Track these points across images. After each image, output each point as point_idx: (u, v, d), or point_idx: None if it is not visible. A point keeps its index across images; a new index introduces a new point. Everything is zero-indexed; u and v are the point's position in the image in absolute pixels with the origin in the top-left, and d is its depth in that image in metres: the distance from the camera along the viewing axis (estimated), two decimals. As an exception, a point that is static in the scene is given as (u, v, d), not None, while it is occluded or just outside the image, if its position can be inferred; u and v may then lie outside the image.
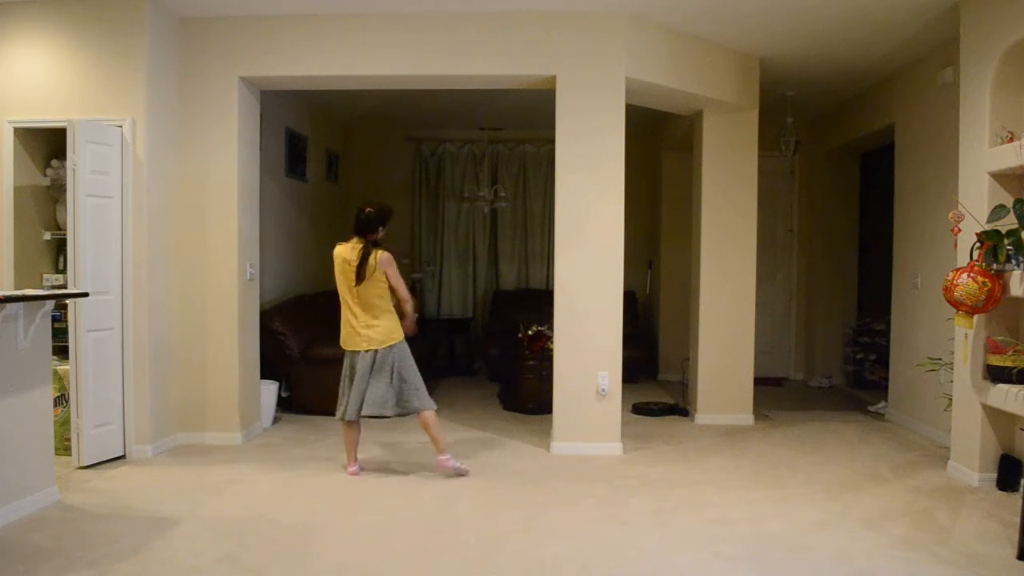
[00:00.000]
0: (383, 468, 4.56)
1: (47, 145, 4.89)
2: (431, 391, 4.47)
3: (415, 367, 4.38)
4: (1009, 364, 3.89)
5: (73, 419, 4.39)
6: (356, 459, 4.43)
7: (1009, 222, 3.80)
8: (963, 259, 4.10)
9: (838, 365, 7.71)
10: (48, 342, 3.82)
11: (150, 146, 4.68)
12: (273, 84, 5.25)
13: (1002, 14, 4.02)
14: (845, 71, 5.98)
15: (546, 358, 5.80)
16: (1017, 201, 3.76)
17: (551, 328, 5.28)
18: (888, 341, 6.21)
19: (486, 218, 8.63)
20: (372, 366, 4.28)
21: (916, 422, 5.56)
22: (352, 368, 4.35)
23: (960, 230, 4.16)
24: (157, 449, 4.77)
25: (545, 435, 5.22)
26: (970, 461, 4.27)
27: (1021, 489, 3.94)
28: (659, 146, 8.08)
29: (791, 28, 5.05)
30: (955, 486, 4.23)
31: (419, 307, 8.53)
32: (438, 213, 8.66)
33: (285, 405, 6.07)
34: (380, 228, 4.34)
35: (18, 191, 4.72)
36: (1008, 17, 3.97)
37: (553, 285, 5.06)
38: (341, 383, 4.40)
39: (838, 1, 4.55)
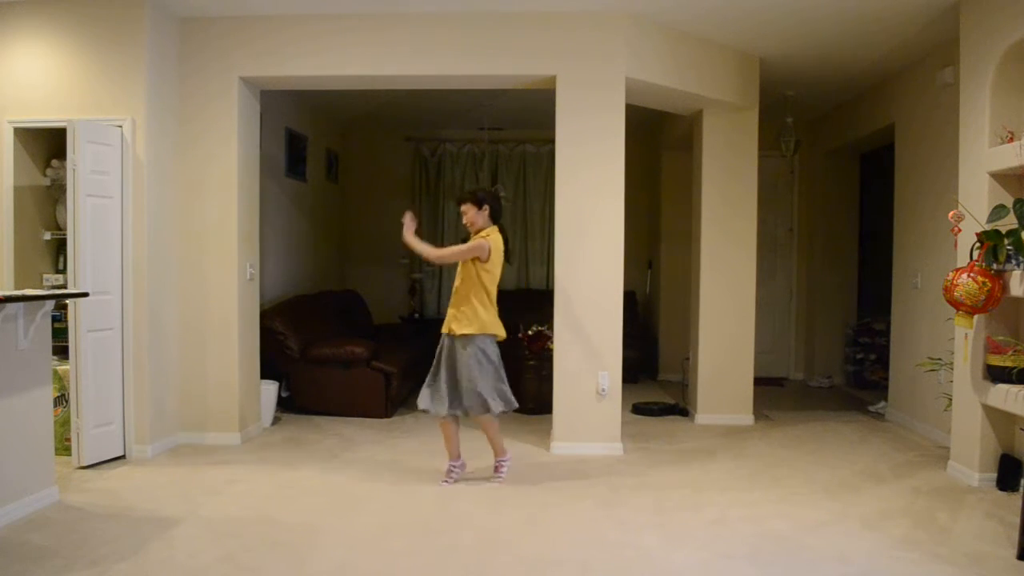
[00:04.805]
0: (384, 468, 4.56)
1: (47, 145, 4.89)
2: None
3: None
4: (1009, 364, 3.89)
5: (73, 419, 4.39)
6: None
7: (1009, 222, 3.80)
8: (963, 259, 4.09)
9: (838, 365, 7.71)
10: (48, 342, 3.82)
11: (150, 146, 4.68)
12: (273, 84, 5.25)
13: (1002, 14, 4.02)
14: (845, 71, 5.98)
15: (546, 358, 5.80)
16: (1017, 201, 3.76)
17: (551, 328, 5.28)
18: (888, 341, 6.21)
19: (486, 218, 8.62)
20: None
21: (916, 422, 5.56)
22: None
23: (960, 230, 4.16)
24: (157, 449, 4.77)
25: (545, 435, 5.21)
26: (970, 461, 4.27)
27: (1021, 489, 3.94)
28: (659, 146, 8.07)
29: (791, 28, 5.05)
30: (955, 486, 4.23)
31: (419, 307, 8.55)
32: (438, 213, 8.65)
33: (285, 405, 6.07)
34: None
35: (18, 191, 4.72)
36: (1008, 17, 3.97)
37: (553, 285, 5.06)
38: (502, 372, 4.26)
39: (838, 1, 4.55)
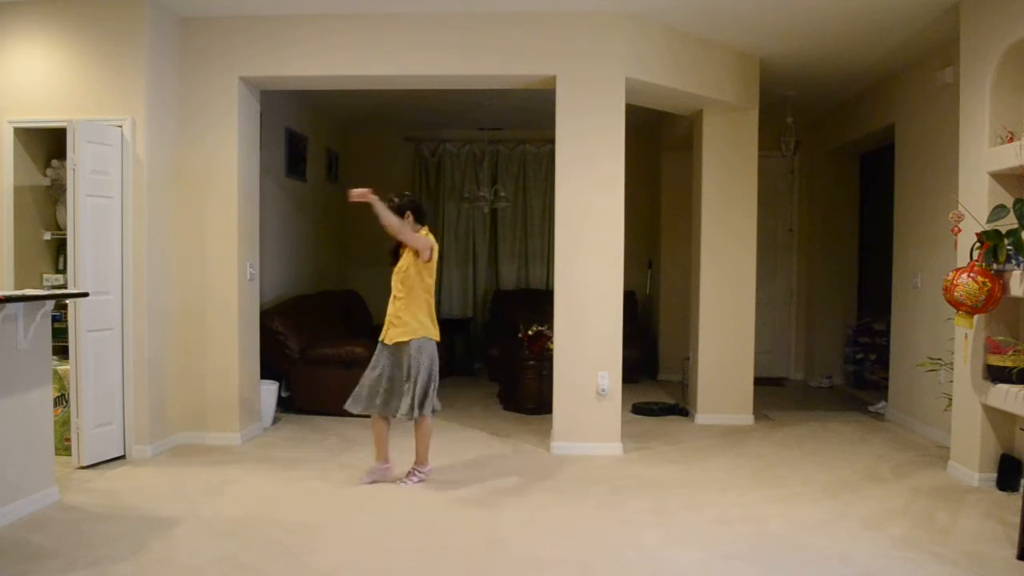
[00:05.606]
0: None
1: (47, 145, 4.89)
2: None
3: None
4: (1009, 364, 3.89)
5: (73, 419, 4.39)
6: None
7: (1009, 222, 3.80)
8: (963, 259, 4.09)
9: (838, 365, 7.71)
10: (48, 342, 3.82)
11: (150, 146, 4.68)
12: (273, 84, 5.25)
13: (1002, 14, 4.02)
14: (845, 71, 5.98)
15: (546, 358, 5.80)
16: (1017, 201, 3.76)
17: (551, 328, 5.28)
18: (888, 341, 6.21)
19: (486, 218, 8.63)
20: None
21: (916, 422, 5.56)
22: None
23: (960, 230, 4.16)
24: (157, 449, 4.77)
25: (545, 435, 5.22)
26: (970, 461, 4.27)
27: (1021, 489, 3.94)
28: (659, 146, 8.08)
29: (791, 28, 5.05)
30: (955, 486, 4.23)
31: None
32: (438, 213, 8.65)
33: (285, 405, 6.07)
34: None
35: (18, 191, 4.72)
36: (1008, 17, 3.97)
37: (553, 285, 5.06)
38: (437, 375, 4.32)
39: (838, 1, 4.55)
